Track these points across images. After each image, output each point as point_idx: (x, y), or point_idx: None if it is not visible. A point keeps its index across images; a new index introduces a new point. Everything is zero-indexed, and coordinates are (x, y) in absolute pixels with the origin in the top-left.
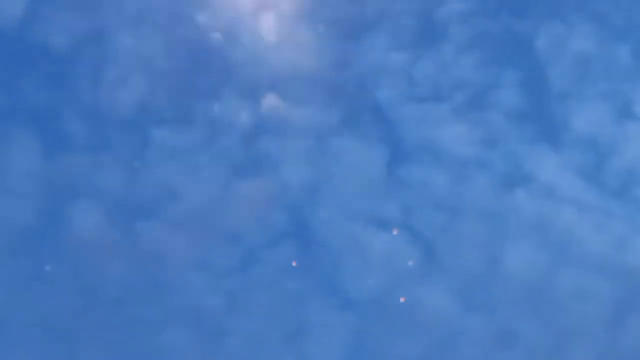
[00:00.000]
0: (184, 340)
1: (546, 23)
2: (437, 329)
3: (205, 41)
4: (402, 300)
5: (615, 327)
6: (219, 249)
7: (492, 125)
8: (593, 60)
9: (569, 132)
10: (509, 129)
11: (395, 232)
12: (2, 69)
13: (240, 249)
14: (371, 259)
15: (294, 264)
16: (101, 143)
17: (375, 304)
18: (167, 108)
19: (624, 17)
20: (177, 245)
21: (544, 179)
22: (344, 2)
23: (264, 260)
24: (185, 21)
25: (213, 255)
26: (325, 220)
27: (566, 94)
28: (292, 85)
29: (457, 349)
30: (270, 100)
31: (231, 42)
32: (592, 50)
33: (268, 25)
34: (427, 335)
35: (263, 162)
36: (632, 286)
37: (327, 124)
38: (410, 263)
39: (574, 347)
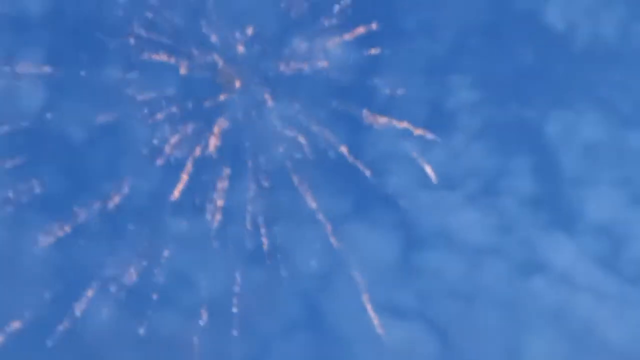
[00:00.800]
0: None
1: (555, 111)
2: None
3: (221, 131)
4: None
5: None
6: (233, 338)
7: (506, 212)
8: (603, 146)
9: (584, 218)
10: (523, 216)
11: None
12: (20, 157)
13: (254, 339)
14: (387, 348)
15: None
16: (115, 232)
17: None
18: (181, 197)
19: (632, 103)
20: (192, 335)
21: (560, 266)
22: (353, 90)
23: (277, 350)
24: (198, 111)
25: (227, 345)
26: (339, 309)
27: (579, 180)
28: (304, 173)
29: None
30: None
31: (244, 128)
32: (602, 136)
33: (282, 112)
34: None
35: (276, 251)
36: None
37: (339, 210)
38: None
39: None
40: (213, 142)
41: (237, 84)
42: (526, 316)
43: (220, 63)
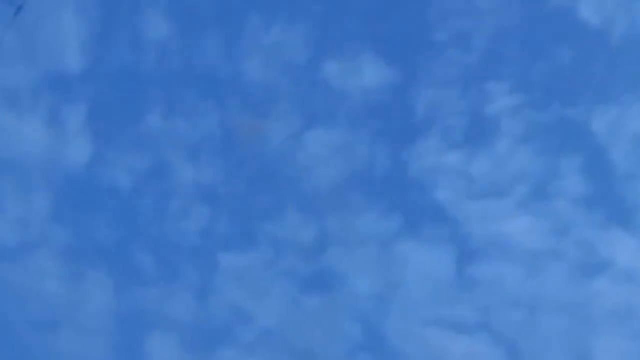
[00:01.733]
0: None
1: (599, 107)
2: None
3: (263, 161)
4: None
5: None
6: None
7: (561, 214)
8: None
9: None
10: (579, 216)
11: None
12: (72, 210)
13: None
14: None
15: None
16: (170, 273)
17: None
18: (231, 232)
19: None
20: None
21: (623, 264)
22: (392, 107)
23: None
24: (242, 144)
25: None
26: (399, 328)
27: (632, 174)
28: (352, 195)
29: None
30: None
31: (288, 158)
32: None
33: (321, 138)
34: None
35: (330, 275)
36: None
37: (390, 230)
38: None
39: None
40: None
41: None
42: (593, 318)
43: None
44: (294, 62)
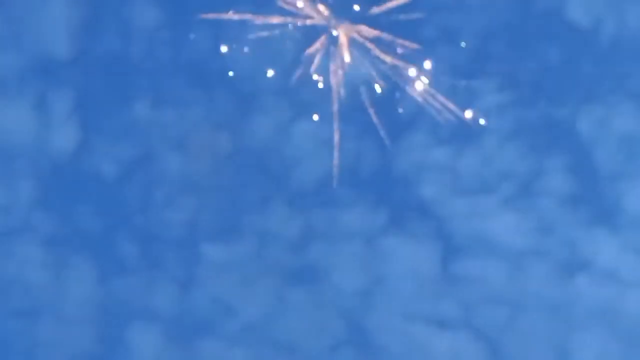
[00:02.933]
0: None
1: (585, 106)
2: None
3: (249, 154)
4: None
5: None
6: None
7: (545, 213)
8: (639, 138)
9: (624, 213)
10: (563, 215)
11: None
12: (56, 198)
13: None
14: None
15: None
16: (154, 263)
17: None
18: (216, 224)
19: None
20: None
21: (605, 263)
22: (379, 102)
23: None
24: (228, 136)
25: None
26: (382, 324)
27: (616, 174)
28: (336, 189)
29: None
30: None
31: (274, 152)
32: (637, 128)
33: (307, 132)
34: None
35: (314, 270)
36: None
37: (376, 224)
38: None
39: None
40: None
41: None
42: (574, 317)
43: None
44: (281, 54)
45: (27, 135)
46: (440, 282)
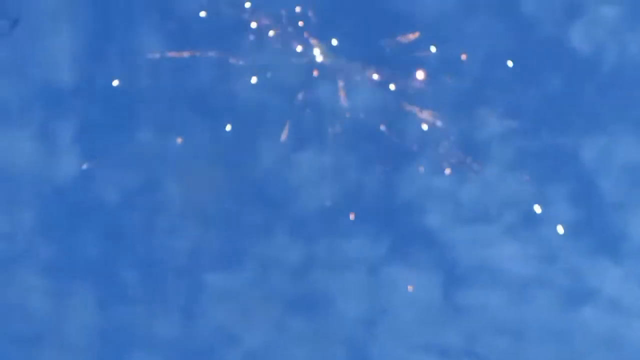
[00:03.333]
0: None
1: (588, 136)
2: None
3: (251, 181)
4: None
5: None
6: None
7: (548, 241)
8: None
9: (628, 241)
10: (566, 244)
11: None
12: (59, 225)
13: None
14: None
15: None
16: (156, 291)
17: None
18: (218, 251)
19: None
20: None
21: (609, 293)
22: (382, 131)
23: None
24: (231, 163)
25: None
26: (385, 353)
27: (619, 203)
28: (340, 218)
29: None
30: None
31: (278, 179)
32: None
33: (311, 160)
34: None
35: (317, 298)
36: None
37: (377, 253)
38: None
39: None
40: None
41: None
42: (578, 346)
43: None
44: (285, 83)
45: (30, 162)
46: (442, 310)
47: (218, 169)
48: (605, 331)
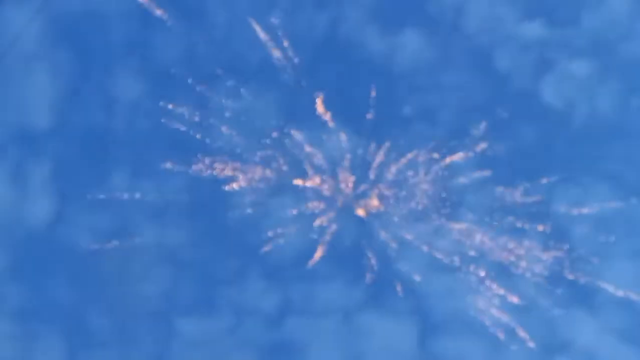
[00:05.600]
0: None
1: (561, 186)
2: None
3: (226, 227)
4: None
5: None
6: None
7: (523, 292)
8: (614, 218)
9: (602, 293)
10: (541, 295)
11: None
12: (29, 269)
13: None
14: None
15: None
16: (126, 337)
17: None
18: (191, 297)
19: (638, 174)
20: None
21: (583, 344)
22: (360, 176)
23: None
24: (207, 207)
25: None
26: None
27: (592, 254)
28: (315, 263)
29: None
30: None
31: (252, 226)
32: (612, 209)
33: (285, 206)
34: None
35: (291, 345)
36: None
37: (353, 300)
38: None
39: None
40: None
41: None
42: None
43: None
44: (262, 128)
45: (2, 205)
46: (417, 359)
47: (193, 213)
48: None
